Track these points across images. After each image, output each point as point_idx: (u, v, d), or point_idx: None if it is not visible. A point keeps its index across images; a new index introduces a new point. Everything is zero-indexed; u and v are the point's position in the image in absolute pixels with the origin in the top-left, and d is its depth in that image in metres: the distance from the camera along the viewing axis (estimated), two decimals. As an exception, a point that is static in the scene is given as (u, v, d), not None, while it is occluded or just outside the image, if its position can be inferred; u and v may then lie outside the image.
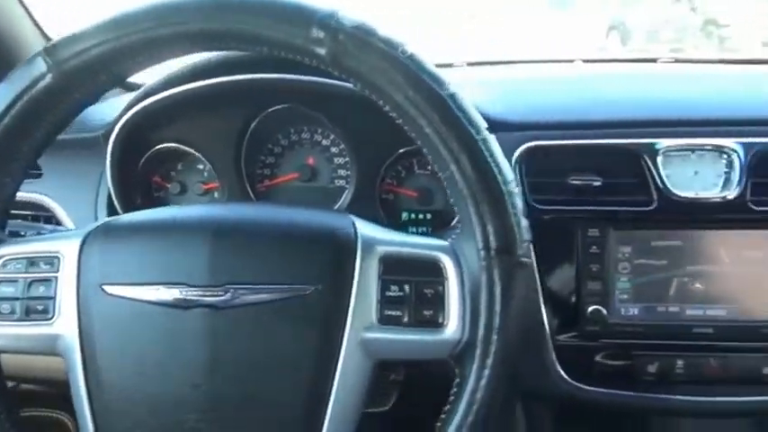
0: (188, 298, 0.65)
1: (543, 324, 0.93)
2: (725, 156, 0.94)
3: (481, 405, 0.62)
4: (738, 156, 0.93)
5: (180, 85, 1.00)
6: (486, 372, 0.62)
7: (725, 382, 0.92)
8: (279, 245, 0.67)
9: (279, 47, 0.64)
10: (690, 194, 0.93)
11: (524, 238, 0.64)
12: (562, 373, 0.94)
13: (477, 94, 1.05)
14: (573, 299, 0.95)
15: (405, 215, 1.12)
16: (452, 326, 0.65)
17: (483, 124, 0.66)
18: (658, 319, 0.95)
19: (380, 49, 0.63)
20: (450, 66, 1.40)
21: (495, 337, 0.62)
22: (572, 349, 0.95)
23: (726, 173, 0.93)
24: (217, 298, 0.64)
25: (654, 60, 1.41)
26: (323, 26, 0.62)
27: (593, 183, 0.95)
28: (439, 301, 0.66)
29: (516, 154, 0.96)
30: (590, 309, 0.94)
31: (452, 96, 0.64)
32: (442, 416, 0.65)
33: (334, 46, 0.62)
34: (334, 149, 1.13)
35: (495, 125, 1.02)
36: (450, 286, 0.66)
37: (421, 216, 1.11)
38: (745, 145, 0.93)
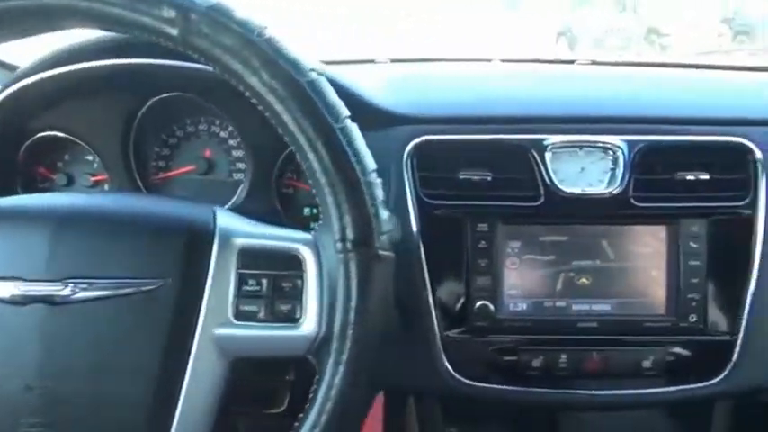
0: (24, 293, 0.60)
1: (432, 319, 0.93)
2: (610, 153, 0.95)
3: (336, 402, 0.60)
4: (623, 153, 0.94)
5: (55, 67, 0.94)
6: (341, 368, 0.60)
7: (607, 376, 0.93)
8: (125, 236, 0.64)
9: (129, 26, 0.60)
10: (576, 190, 0.94)
11: (383, 229, 0.63)
12: (449, 368, 0.93)
13: (376, 88, 1.04)
14: (462, 294, 0.94)
15: (306, 210, 1.09)
16: (309, 321, 0.63)
17: (344, 113, 0.64)
18: (545, 314, 0.95)
19: (235, 30, 0.60)
20: (372, 62, 1.38)
21: (350, 332, 0.60)
22: (461, 345, 0.94)
23: (611, 169, 0.95)
24: (54, 293, 0.60)
25: (572, 62, 1.43)
26: (175, 5, 0.59)
27: (484, 178, 0.95)
28: (297, 296, 0.64)
29: (409, 148, 0.95)
30: (478, 304, 0.93)
31: (311, 83, 0.62)
32: (301, 414, 0.63)
33: (185, 26, 0.59)
34: (232, 142, 1.09)
35: (390, 119, 1.03)
36: (308, 280, 0.64)
37: None
38: (629, 142, 0.95)
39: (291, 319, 0.63)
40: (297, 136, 0.62)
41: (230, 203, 1.05)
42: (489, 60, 1.44)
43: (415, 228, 0.93)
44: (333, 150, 0.61)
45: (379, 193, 0.63)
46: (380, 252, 0.62)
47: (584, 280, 0.96)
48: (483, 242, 0.95)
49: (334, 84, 0.95)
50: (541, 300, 0.96)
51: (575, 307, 0.96)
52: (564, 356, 0.93)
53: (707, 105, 1.03)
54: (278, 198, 1.08)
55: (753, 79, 1.25)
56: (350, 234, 0.61)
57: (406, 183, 0.94)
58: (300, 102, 0.61)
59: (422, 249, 0.93)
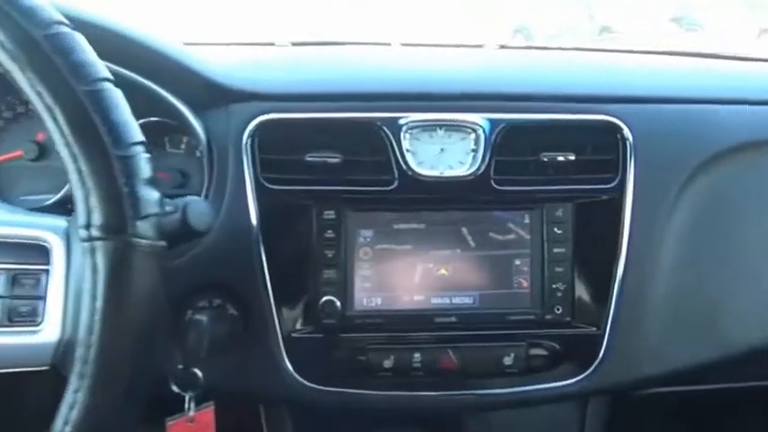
0: None
1: (272, 318, 0.83)
2: (471, 132, 0.87)
3: (78, 424, 0.50)
4: (484, 132, 0.87)
5: None
6: (86, 381, 0.50)
7: (465, 376, 0.86)
8: None
9: None
10: (433, 173, 0.86)
11: (143, 212, 0.53)
12: (292, 372, 0.84)
13: (223, 66, 0.94)
14: (307, 289, 0.86)
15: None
16: (52, 324, 0.53)
17: (97, 74, 0.54)
18: (400, 310, 0.87)
19: None
20: (272, 44, 1.28)
21: (95, 337, 0.50)
22: (306, 345, 0.85)
23: (472, 150, 0.87)
24: None
25: (480, 46, 1.36)
26: None
27: (332, 160, 0.86)
28: (39, 295, 0.54)
29: (249, 127, 0.86)
30: (324, 300, 0.85)
31: (50, 37, 0.52)
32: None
33: None
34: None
35: (229, 96, 0.93)
36: (53, 275, 0.54)
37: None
38: (491, 121, 0.87)
39: (31, 322, 0.53)
40: (36, 103, 0.51)
41: (62, 193, 0.94)
42: (389, 44, 1.36)
43: (253, 215, 0.84)
44: (74, 118, 0.51)
45: (143, 170, 0.54)
46: (137, 240, 0.52)
47: (443, 271, 0.88)
48: (330, 231, 0.86)
49: (161, 56, 0.87)
50: (396, 294, 0.87)
51: (433, 301, 0.88)
52: (417, 355, 0.85)
53: (576, 83, 0.95)
54: None
55: (639, 59, 1.20)
56: (96, 218, 0.51)
57: (245, 166, 0.85)
58: (35, 60, 0.51)
59: (260, 239, 0.84)
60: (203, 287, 0.83)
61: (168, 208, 0.69)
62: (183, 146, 1.00)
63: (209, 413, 0.81)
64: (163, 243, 0.55)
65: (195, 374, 0.78)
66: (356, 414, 0.91)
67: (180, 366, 0.76)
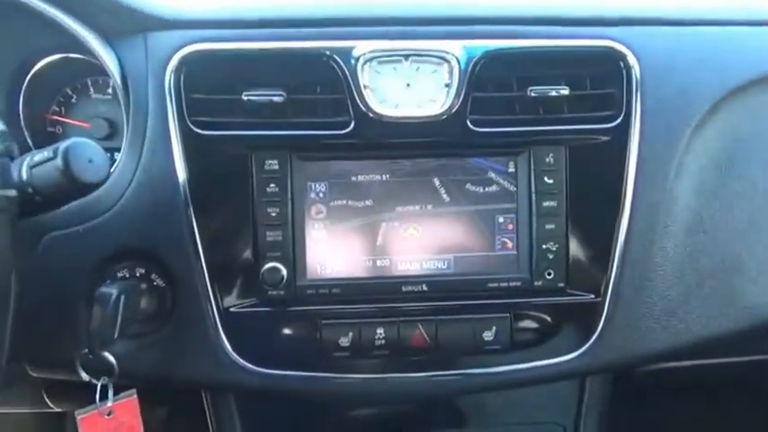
0: None
1: (205, 289, 0.70)
2: (444, 63, 0.72)
3: None
4: (459, 63, 0.71)
5: None
6: None
7: (437, 355, 0.72)
8: None
9: None
10: (397, 113, 0.71)
11: None
12: (232, 353, 0.71)
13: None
14: (246, 255, 0.72)
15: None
16: None
17: None
18: (360, 278, 0.73)
19: None
20: None
21: None
22: (247, 321, 0.72)
23: (446, 85, 0.72)
24: None
25: None
26: None
27: (274, 99, 0.71)
28: None
29: (173, 62, 0.70)
30: (267, 267, 0.71)
31: None
32: None
33: None
34: None
35: (148, 21, 0.76)
36: None
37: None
38: (467, 50, 0.72)
39: None
40: None
41: None
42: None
43: (179, 167, 0.69)
44: None
45: None
46: None
47: (411, 231, 0.74)
48: (273, 185, 0.72)
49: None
50: (356, 259, 0.73)
51: (400, 266, 0.74)
52: (381, 331, 0.72)
53: (571, 1, 0.80)
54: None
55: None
56: None
57: (169, 108, 0.70)
58: None
59: (188, 196, 0.69)
60: (122, 254, 0.70)
61: (44, 153, 0.56)
62: (109, 90, 0.86)
63: (130, 404, 0.68)
64: (10, 193, 0.41)
65: (106, 359, 0.65)
66: (310, 401, 0.79)
67: (85, 350, 0.63)
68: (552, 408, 0.84)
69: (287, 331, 0.72)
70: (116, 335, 0.63)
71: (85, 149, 0.57)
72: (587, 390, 0.84)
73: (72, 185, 0.57)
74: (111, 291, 0.63)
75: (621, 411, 0.89)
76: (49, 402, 0.86)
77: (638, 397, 0.98)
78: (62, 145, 0.57)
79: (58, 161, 0.55)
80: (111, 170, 0.72)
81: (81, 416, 0.65)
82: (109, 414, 0.67)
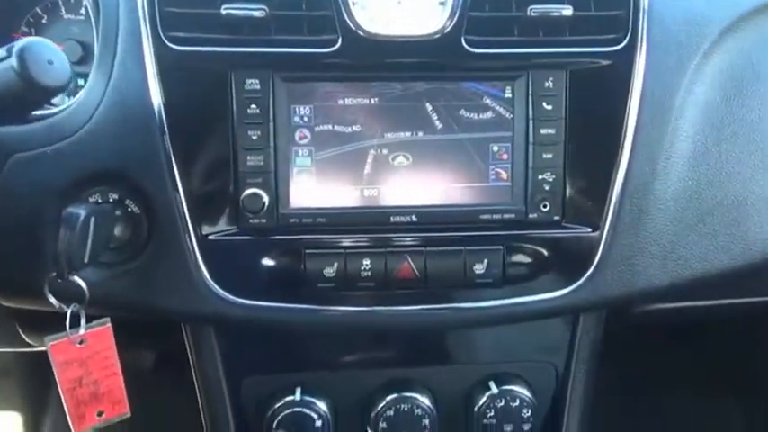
0: None
1: (183, 216, 0.66)
2: (439, -23, 0.68)
3: None
4: (456, -24, 0.67)
5: None
6: None
7: (426, 287, 0.69)
8: None
9: None
10: (388, 31, 0.66)
11: None
12: (211, 283, 0.67)
13: None
14: (226, 181, 0.67)
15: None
16: None
17: None
18: (346, 207, 0.69)
19: None
20: None
21: None
22: (227, 251, 0.68)
23: (440, 3, 0.67)
24: None
25: None
26: None
27: (255, 14, 0.66)
28: None
29: None
30: (247, 193, 0.67)
31: None
32: None
33: None
34: None
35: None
36: None
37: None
38: None
39: None
40: None
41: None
42: None
43: (153, 85, 0.65)
44: None
45: None
46: None
47: (401, 159, 0.70)
48: (254, 106, 0.67)
49: None
50: (342, 188, 0.69)
51: (389, 196, 0.70)
52: (367, 262, 0.68)
53: None
54: None
55: None
56: None
57: (141, 20, 0.65)
58: None
59: (163, 116, 0.65)
60: (94, 178, 0.66)
61: None
62: (82, 10, 0.81)
63: (104, 333, 0.65)
64: None
65: (76, 283, 0.62)
66: (293, 333, 0.76)
67: (53, 274, 0.60)
68: (544, 347, 0.82)
69: (269, 261, 0.68)
70: (86, 259, 0.60)
71: (44, 50, 0.52)
72: (579, 330, 0.82)
73: (30, 90, 0.52)
74: (79, 211, 0.59)
75: (613, 354, 0.88)
76: (24, 337, 0.83)
77: (630, 340, 0.95)
78: (18, 44, 0.53)
79: (13, 60, 0.51)
80: (81, 89, 0.68)
81: (51, 342, 0.62)
82: (81, 342, 0.64)
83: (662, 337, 1.42)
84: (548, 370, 0.81)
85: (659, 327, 1.11)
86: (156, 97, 0.65)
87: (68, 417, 0.67)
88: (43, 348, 0.68)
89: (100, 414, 0.69)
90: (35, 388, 1.61)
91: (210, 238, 0.68)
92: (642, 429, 1.44)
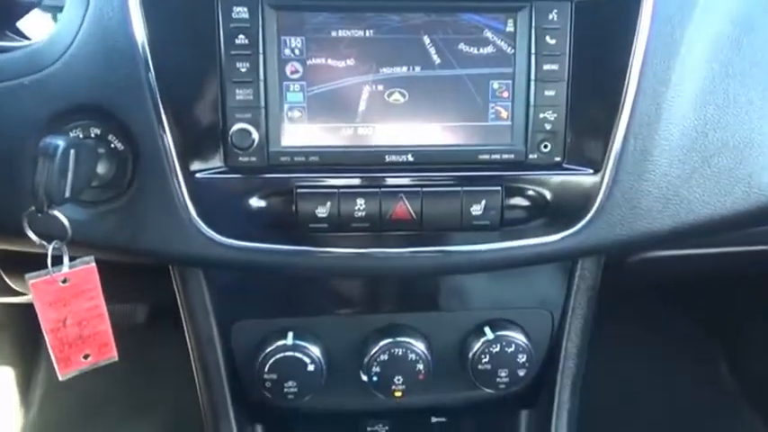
0: None
1: (169, 153, 0.63)
2: None
3: None
4: None
5: None
6: None
7: (422, 229, 0.66)
8: None
9: None
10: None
11: None
12: (199, 222, 0.65)
13: None
14: (214, 116, 0.64)
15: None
16: None
17: None
18: (339, 144, 0.67)
19: None
20: None
21: None
22: (218, 190, 0.65)
23: None
24: None
25: None
26: None
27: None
28: None
29: None
30: (235, 128, 0.64)
31: None
32: None
33: None
34: None
35: None
36: None
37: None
38: None
39: None
40: None
41: None
42: None
43: (135, 11, 0.61)
44: None
45: None
46: None
47: (397, 96, 0.67)
48: (242, 37, 0.63)
49: None
50: (335, 125, 0.66)
51: (384, 134, 0.67)
52: (361, 202, 0.66)
53: None
54: None
55: None
56: None
57: None
58: None
59: (146, 47, 0.61)
60: (75, 111, 0.63)
61: None
62: None
63: (88, 272, 0.63)
64: None
65: (57, 219, 0.60)
66: (285, 277, 0.74)
67: (32, 208, 0.57)
68: (540, 294, 0.80)
69: (259, 201, 0.65)
70: (67, 193, 0.57)
71: None
72: (577, 277, 0.80)
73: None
74: (58, 141, 0.56)
75: (609, 303, 0.87)
76: (6, 280, 0.81)
77: (626, 290, 0.94)
78: None
79: None
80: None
81: (32, 281, 0.60)
82: (64, 282, 0.62)
83: (649, 291, 1.46)
84: (544, 317, 0.80)
85: (649, 281, 1.10)
86: (139, 27, 0.61)
87: (53, 359, 0.65)
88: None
89: (86, 357, 0.68)
90: (27, 342, 1.61)
91: (198, 176, 0.65)
92: (631, 374, 1.50)
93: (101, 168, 0.64)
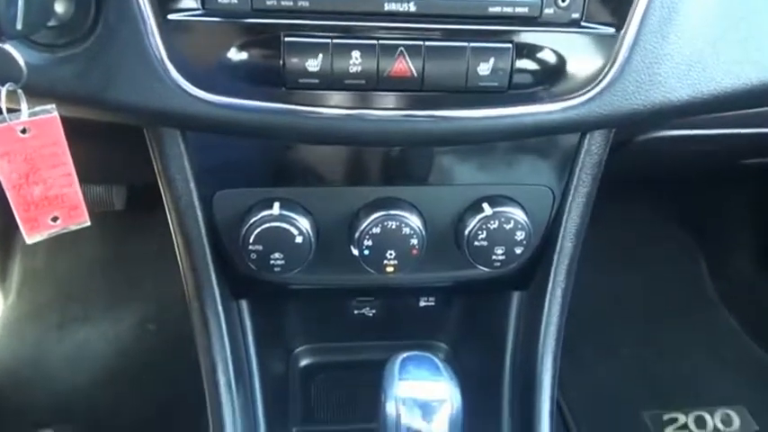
0: None
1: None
2: None
3: None
4: None
5: None
6: None
7: (421, 89, 0.60)
8: None
9: None
10: None
11: None
12: (173, 72, 0.58)
13: None
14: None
15: None
16: None
17: None
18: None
19: None
20: None
21: None
22: (195, 35, 0.58)
23: None
24: None
25: None
26: None
27: None
28: None
29: None
30: None
31: None
32: None
33: None
34: None
35: None
36: None
37: None
38: None
39: None
40: None
41: None
42: None
43: None
44: None
45: None
46: None
47: (400, -67, 0.60)
48: None
49: None
50: (329, -38, 0.59)
51: (384, -24, 0.61)
52: (357, 54, 0.59)
53: None
54: None
55: None
56: None
57: None
58: None
59: None
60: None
61: None
62: None
63: (50, 123, 0.56)
64: None
65: (8, 53, 0.52)
66: (271, 141, 0.68)
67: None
68: (542, 170, 0.76)
69: (243, 50, 0.58)
70: (19, 25, 0.50)
71: None
72: (583, 152, 0.76)
73: None
74: None
75: (613, 186, 0.83)
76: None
77: (630, 170, 0.91)
78: None
79: None
80: None
81: (-12, 129, 0.54)
82: (24, 132, 0.56)
83: (638, 191, 1.47)
84: (545, 194, 0.76)
85: (651, 165, 1.07)
86: None
87: (18, 221, 0.60)
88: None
89: (55, 220, 0.62)
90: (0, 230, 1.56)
91: (171, 17, 0.57)
92: (614, 273, 1.56)
93: (58, 6, 0.56)
